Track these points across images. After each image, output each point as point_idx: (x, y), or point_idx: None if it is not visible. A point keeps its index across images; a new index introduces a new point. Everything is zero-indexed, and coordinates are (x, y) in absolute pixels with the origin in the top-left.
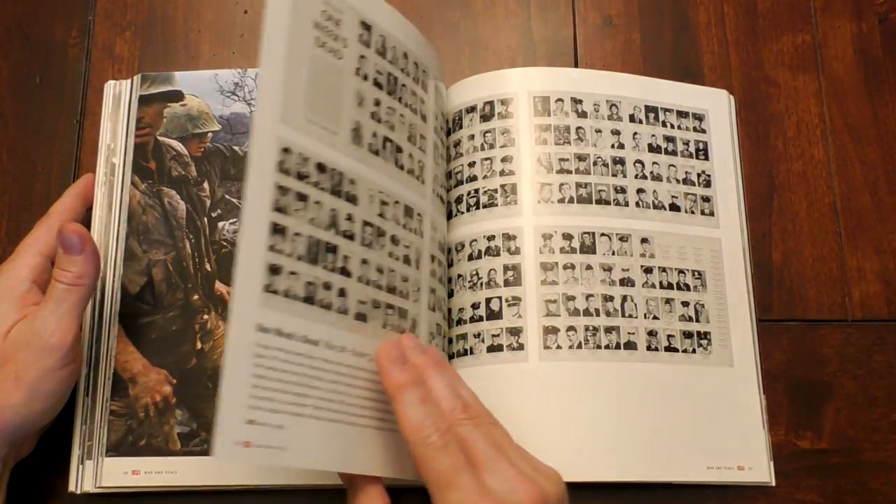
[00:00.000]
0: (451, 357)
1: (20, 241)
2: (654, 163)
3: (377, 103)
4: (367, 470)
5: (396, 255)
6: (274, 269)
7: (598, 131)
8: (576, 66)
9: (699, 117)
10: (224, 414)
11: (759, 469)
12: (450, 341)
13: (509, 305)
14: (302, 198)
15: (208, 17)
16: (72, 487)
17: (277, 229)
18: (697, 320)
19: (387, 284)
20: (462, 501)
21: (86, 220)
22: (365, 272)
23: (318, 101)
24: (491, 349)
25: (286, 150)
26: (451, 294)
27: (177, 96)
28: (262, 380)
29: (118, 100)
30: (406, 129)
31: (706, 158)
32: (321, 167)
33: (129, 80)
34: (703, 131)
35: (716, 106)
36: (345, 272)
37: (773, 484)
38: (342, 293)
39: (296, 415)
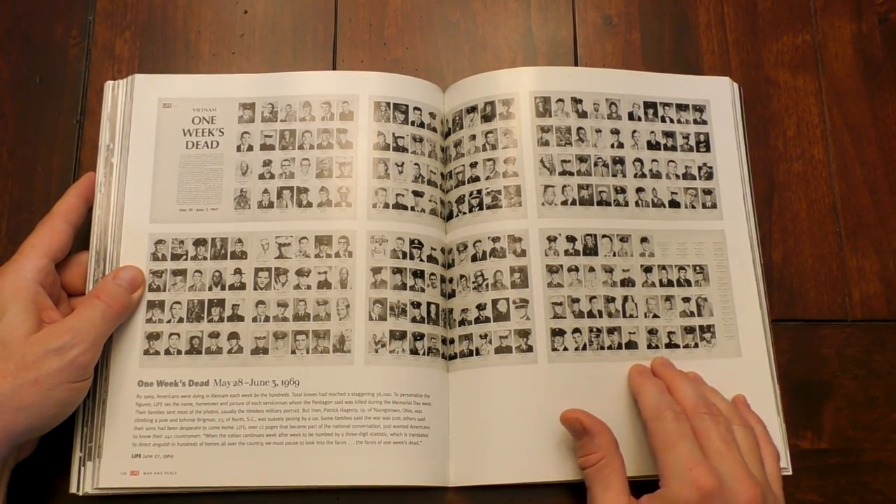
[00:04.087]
0: (453, 357)
1: (20, 241)
2: (652, 160)
3: (267, 163)
4: (272, 481)
5: (306, 284)
6: (153, 336)
7: (598, 131)
8: (576, 66)
9: (700, 108)
10: (109, 452)
11: None
12: (451, 341)
13: (517, 307)
14: (179, 273)
15: (208, 17)
16: (73, 489)
17: (154, 304)
18: (700, 315)
19: (293, 314)
20: (678, 460)
21: (86, 221)
22: (262, 312)
23: (192, 191)
24: (499, 350)
25: (159, 242)
26: (451, 294)
27: None
28: (145, 422)
29: (117, 100)
30: (314, 168)
31: (707, 150)
32: (200, 241)
33: (126, 80)
34: (704, 122)
35: (718, 95)
36: (237, 318)
37: (790, 472)
38: (234, 336)
39: (187, 444)
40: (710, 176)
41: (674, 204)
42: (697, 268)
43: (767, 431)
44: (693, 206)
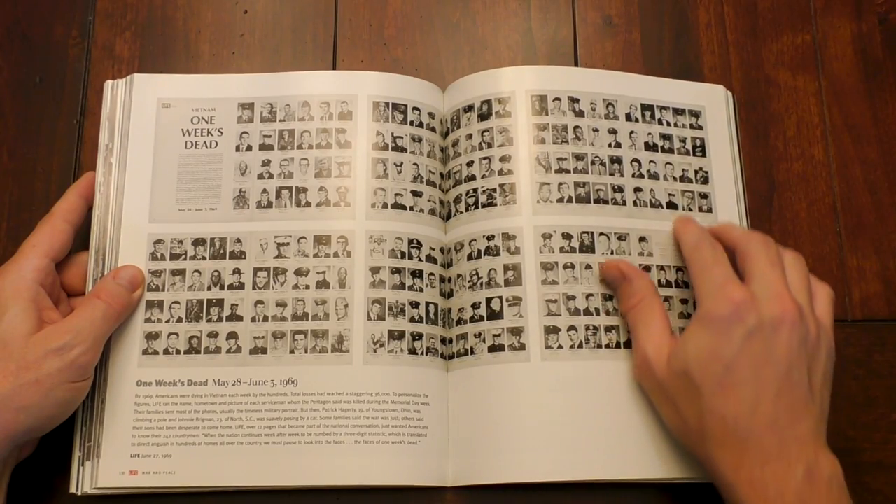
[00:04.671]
0: (450, 357)
1: (20, 240)
2: (650, 161)
3: (266, 163)
4: (271, 481)
5: (305, 284)
6: (152, 336)
7: (595, 130)
8: (575, 66)
9: (695, 114)
10: (108, 451)
11: None
12: (449, 341)
13: (510, 305)
14: (178, 273)
15: (208, 17)
16: (72, 489)
17: (153, 304)
18: None
19: (292, 314)
20: (712, 280)
21: (86, 220)
22: (260, 311)
23: (191, 191)
24: (492, 349)
25: (158, 242)
26: (450, 294)
27: None
28: (143, 422)
29: (116, 100)
30: (313, 168)
31: (703, 155)
32: (199, 241)
33: (125, 80)
34: (700, 128)
35: (713, 102)
36: (235, 318)
37: None
38: (233, 336)
39: (185, 444)
40: (705, 180)
41: (671, 205)
42: None
43: (830, 292)
44: (690, 209)
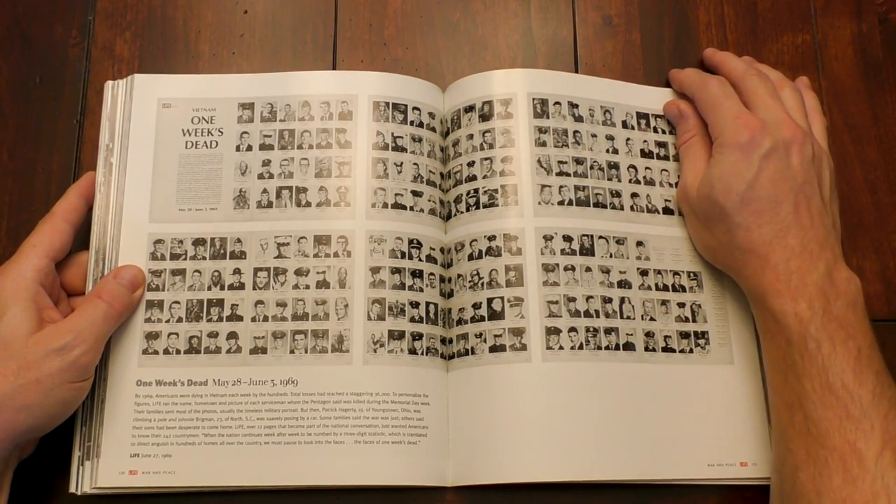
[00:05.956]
0: (451, 357)
1: (20, 240)
2: (646, 168)
3: (266, 163)
4: (271, 481)
5: (305, 284)
6: (152, 336)
7: (594, 136)
8: (576, 66)
9: None
10: (107, 451)
11: (762, 465)
12: (449, 341)
13: (511, 306)
14: (178, 272)
15: (208, 17)
16: (72, 488)
17: (153, 304)
18: (694, 320)
19: (292, 314)
20: (726, 114)
21: (86, 220)
22: (260, 311)
23: (192, 191)
24: (493, 349)
25: (158, 242)
26: (450, 294)
27: None
28: (143, 421)
29: (117, 100)
30: (313, 168)
31: None
32: (199, 241)
33: (126, 80)
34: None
35: None
36: (236, 318)
37: None
38: (233, 336)
39: (185, 444)
40: None
41: (667, 211)
42: (691, 274)
43: (819, 106)
44: None
